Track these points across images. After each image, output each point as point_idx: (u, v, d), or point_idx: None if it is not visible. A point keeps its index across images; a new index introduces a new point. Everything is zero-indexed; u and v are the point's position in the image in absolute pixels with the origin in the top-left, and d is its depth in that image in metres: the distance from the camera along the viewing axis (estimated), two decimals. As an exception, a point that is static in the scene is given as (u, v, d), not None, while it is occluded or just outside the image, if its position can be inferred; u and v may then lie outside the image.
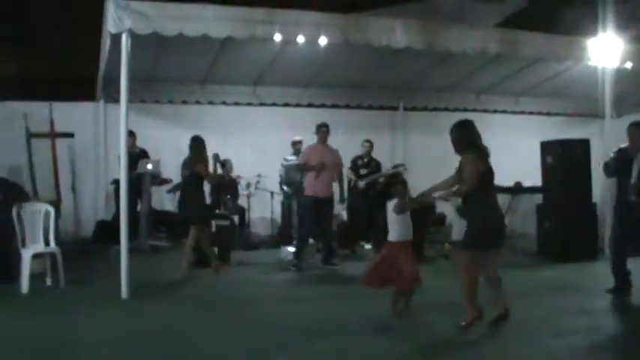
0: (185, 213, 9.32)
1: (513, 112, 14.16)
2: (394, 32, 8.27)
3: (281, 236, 11.79)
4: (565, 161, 10.35)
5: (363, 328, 6.13)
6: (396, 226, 6.36)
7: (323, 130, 9.77)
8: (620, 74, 9.92)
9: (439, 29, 8.75)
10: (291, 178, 10.99)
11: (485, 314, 5.95)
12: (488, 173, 5.99)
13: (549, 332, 5.93)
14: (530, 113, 14.26)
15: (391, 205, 6.38)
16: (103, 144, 12.08)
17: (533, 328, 6.04)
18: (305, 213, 9.80)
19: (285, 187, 11.63)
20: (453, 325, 5.91)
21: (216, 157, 9.62)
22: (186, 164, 9.13)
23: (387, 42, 8.28)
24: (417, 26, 8.54)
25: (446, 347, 5.61)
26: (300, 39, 8.08)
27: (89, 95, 12.11)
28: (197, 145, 9.04)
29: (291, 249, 10.04)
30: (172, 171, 11.18)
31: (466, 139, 6.05)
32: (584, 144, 10.37)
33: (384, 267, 6.39)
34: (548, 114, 14.26)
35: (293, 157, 11.29)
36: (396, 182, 6.74)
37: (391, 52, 9.34)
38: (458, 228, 10.20)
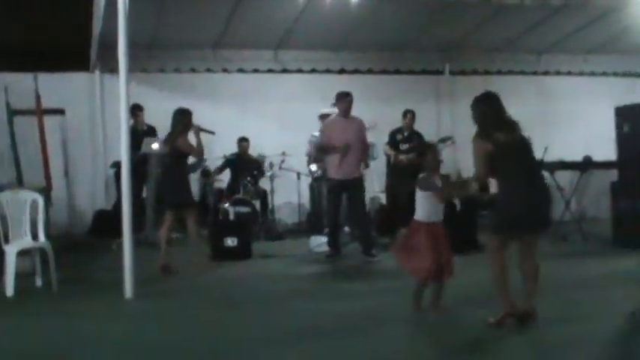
0: (172, 198, 8.98)
1: (582, 74, 13.87)
2: None
3: (310, 224, 11.64)
4: None
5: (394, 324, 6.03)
6: (422, 203, 6.21)
7: (346, 99, 9.40)
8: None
9: None
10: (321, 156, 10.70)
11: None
12: (505, 149, 5.76)
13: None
14: (603, 74, 13.91)
15: (420, 178, 6.24)
16: (101, 121, 11.87)
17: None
18: (330, 198, 9.66)
19: (313, 167, 11.35)
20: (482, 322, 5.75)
21: (197, 128, 9.12)
22: (166, 141, 8.94)
23: None
24: None
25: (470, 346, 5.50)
26: None
27: (82, 65, 11.92)
28: (180, 118, 8.79)
29: (323, 238, 9.84)
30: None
31: (479, 119, 5.96)
32: None
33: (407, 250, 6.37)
34: (624, 74, 13.92)
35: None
36: (426, 152, 6.52)
37: (436, 6, 9.27)
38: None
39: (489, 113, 5.90)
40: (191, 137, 8.85)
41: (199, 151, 9.20)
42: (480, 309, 6.11)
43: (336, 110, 9.82)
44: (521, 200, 5.77)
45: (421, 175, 6.23)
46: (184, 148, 8.80)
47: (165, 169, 9.15)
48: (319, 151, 9.94)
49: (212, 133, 9.80)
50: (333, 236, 9.59)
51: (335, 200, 9.50)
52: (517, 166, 5.83)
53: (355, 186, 9.50)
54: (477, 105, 6.07)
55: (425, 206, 6.22)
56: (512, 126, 5.82)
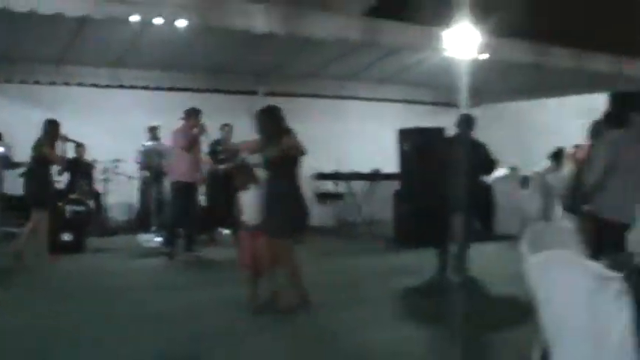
0: (30, 198, 9.71)
1: (375, 100, 15.41)
2: (255, 17, 9.04)
3: (139, 222, 12.50)
4: (420, 149, 11.25)
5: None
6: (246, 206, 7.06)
7: (197, 115, 10.28)
8: (477, 65, 11.34)
9: (300, 15, 9.60)
10: (150, 162, 11.80)
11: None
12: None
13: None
14: (391, 101, 15.55)
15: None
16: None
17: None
18: (177, 200, 10.31)
19: (143, 172, 12.35)
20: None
21: (64, 138, 9.88)
22: (35, 147, 9.55)
23: (247, 27, 9.03)
24: (278, 12, 9.33)
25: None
26: (159, 21, 8.72)
27: None
28: (50, 128, 9.55)
29: (151, 236, 10.76)
30: (25, 154, 11.20)
31: (262, 127, 6.95)
32: (439, 132, 11.07)
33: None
34: (407, 102, 15.63)
35: (150, 142, 12.11)
36: (239, 172, 7.34)
37: (251, 37, 9.90)
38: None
39: (271, 122, 6.85)
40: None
41: (61, 160, 9.99)
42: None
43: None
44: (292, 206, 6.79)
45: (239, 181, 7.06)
46: (49, 156, 9.55)
47: (30, 173, 9.75)
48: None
49: (78, 143, 10.68)
50: (173, 235, 10.28)
51: (182, 201, 10.16)
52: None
53: (197, 189, 10.54)
54: (261, 116, 6.92)
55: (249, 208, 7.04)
56: (289, 134, 6.76)
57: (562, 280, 3.72)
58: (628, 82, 14.25)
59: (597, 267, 3.73)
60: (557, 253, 3.90)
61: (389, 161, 12.47)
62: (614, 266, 4.20)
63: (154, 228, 11.59)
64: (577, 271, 3.65)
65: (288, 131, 6.88)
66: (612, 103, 8.06)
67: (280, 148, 6.71)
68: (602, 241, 7.22)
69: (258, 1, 9.63)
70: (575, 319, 3.68)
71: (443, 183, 9.34)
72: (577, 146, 10.32)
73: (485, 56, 11.06)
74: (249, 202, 7.01)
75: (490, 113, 15.87)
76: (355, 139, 14.61)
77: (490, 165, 9.46)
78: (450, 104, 12.32)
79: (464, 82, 11.06)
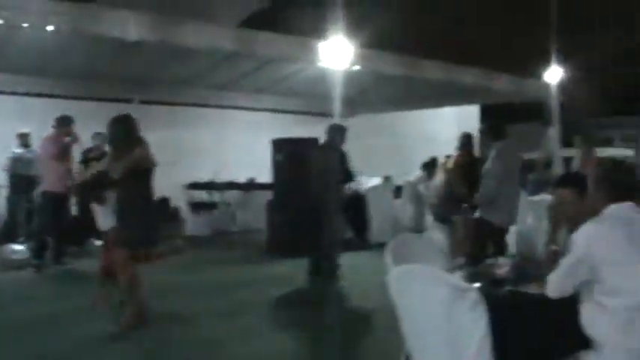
0: None
1: (251, 109, 15.48)
2: (127, 24, 8.84)
3: (6, 232, 12.04)
4: (293, 159, 11.49)
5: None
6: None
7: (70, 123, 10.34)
8: (351, 76, 11.48)
9: (173, 24, 9.44)
10: (19, 170, 11.50)
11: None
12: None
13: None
14: (267, 110, 15.66)
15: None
16: None
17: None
18: (46, 209, 10.24)
19: (11, 180, 11.97)
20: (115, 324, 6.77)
21: None
22: None
23: (119, 34, 8.81)
24: (150, 20, 9.15)
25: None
26: (26, 25, 8.43)
27: None
28: None
29: (19, 247, 10.59)
30: None
31: (113, 136, 6.99)
32: (312, 142, 11.42)
33: None
34: (283, 112, 15.76)
35: (20, 150, 11.75)
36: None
37: (124, 44, 9.73)
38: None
39: (123, 132, 6.85)
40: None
41: None
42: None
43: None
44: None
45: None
46: None
47: None
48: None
49: None
50: (42, 246, 10.18)
51: (51, 212, 10.12)
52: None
53: (67, 199, 10.44)
54: (112, 125, 6.90)
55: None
56: (141, 145, 6.79)
57: (420, 291, 3.85)
58: (496, 95, 14.90)
59: (454, 279, 3.90)
60: (415, 266, 4.02)
61: (264, 170, 12.61)
62: (471, 278, 4.43)
63: (21, 239, 11.29)
64: (435, 283, 3.78)
65: (140, 141, 6.87)
66: (489, 115, 8.54)
67: (131, 159, 6.68)
68: (487, 243, 7.73)
69: (130, 8, 9.37)
70: (434, 330, 3.82)
71: (314, 192, 9.61)
72: (448, 156, 10.71)
73: (358, 67, 11.28)
74: (104, 212, 7.12)
75: (366, 123, 16.31)
76: (231, 148, 14.67)
77: (347, 175, 9.79)
78: (325, 114, 12.45)
79: (338, 93, 11.43)
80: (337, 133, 9.98)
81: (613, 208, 3.87)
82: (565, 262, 3.86)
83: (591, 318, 3.74)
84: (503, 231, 7.94)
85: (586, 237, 3.77)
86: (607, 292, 3.65)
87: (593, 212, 3.94)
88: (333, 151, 9.79)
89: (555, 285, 3.89)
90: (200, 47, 9.91)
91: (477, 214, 8.30)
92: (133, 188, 6.73)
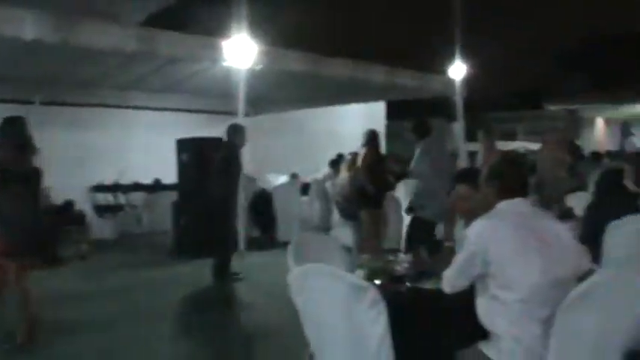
0: None
1: (156, 109, 15.35)
2: (23, 23, 8.68)
3: None
4: (197, 159, 11.48)
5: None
6: None
7: None
8: (256, 74, 11.50)
9: (74, 24, 9.34)
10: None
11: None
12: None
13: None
14: (173, 110, 15.58)
15: None
16: None
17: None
18: None
19: None
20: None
21: None
22: None
23: (15, 33, 8.65)
24: (49, 19, 9.04)
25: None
26: None
27: None
28: None
29: None
30: None
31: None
32: (217, 142, 11.11)
33: None
34: (189, 111, 15.69)
35: None
36: None
37: (22, 44, 9.42)
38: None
39: (13, 135, 6.58)
40: None
41: None
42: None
43: None
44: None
45: None
46: None
47: None
48: None
49: None
50: None
51: None
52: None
53: None
54: (2, 127, 6.63)
55: None
56: (33, 150, 6.56)
57: (320, 290, 3.87)
58: (401, 91, 15.16)
59: (352, 277, 3.92)
60: (314, 265, 4.04)
61: (170, 171, 12.49)
62: (372, 275, 4.51)
63: None
64: (333, 281, 3.81)
65: (28, 145, 6.65)
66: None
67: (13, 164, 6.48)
68: (417, 235, 7.93)
69: (29, 7, 9.19)
70: (334, 329, 3.85)
71: (217, 192, 9.63)
72: (352, 154, 10.84)
73: (262, 66, 11.33)
74: None
75: (273, 121, 16.37)
76: (136, 149, 14.58)
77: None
78: (231, 113, 12.51)
79: (242, 91, 11.46)
80: (236, 132, 10.02)
81: (504, 204, 3.97)
82: (459, 258, 3.94)
83: (487, 311, 3.83)
84: (434, 226, 8.14)
85: (478, 232, 3.85)
86: (500, 286, 3.73)
87: (487, 208, 4.02)
88: (233, 150, 9.84)
89: (450, 281, 3.97)
90: (102, 47, 9.77)
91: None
92: (13, 194, 6.46)
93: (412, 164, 8.61)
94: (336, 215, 11.44)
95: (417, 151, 8.63)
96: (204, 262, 9.79)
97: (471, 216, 4.29)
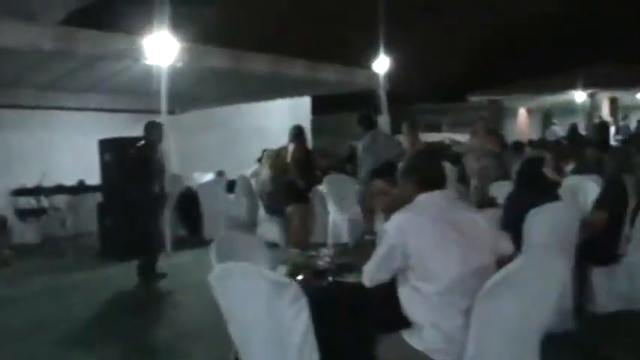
0: None
1: (78, 109, 15.04)
2: None
3: None
4: (120, 159, 11.27)
5: None
6: None
7: None
8: (179, 72, 11.48)
9: None
10: None
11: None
12: None
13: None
14: (95, 110, 15.29)
15: None
16: None
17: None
18: None
19: None
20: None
21: None
22: None
23: None
24: None
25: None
26: None
27: None
28: None
29: None
30: None
31: None
32: (139, 140, 10.87)
33: None
34: (111, 111, 15.42)
35: None
36: None
37: None
38: None
39: None
40: None
41: None
42: None
43: None
44: None
45: None
46: None
47: None
48: None
49: None
50: None
51: None
52: None
53: None
54: None
55: None
56: None
57: (241, 289, 3.87)
58: (325, 85, 15.27)
59: (273, 274, 3.95)
60: (234, 263, 4.04)
61: (94, 172, 12.30)
62: (294, 271, 4.55)
63: None
64: (254, 279, 3.81)
65: None
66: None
67: None
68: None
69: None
70: (257, 327, 3.87)
71: (140, 192, 9.56)
72: (275, 149, 10.88)
73: (184, 63, 11.27)
74: None
75: (198, 119, 16.30)
76: (58, 150, 14.31)
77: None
78: (154, 111, 12.43)
79: (163, 89, 11.39)
80: (154, 129, 9.97)
81: (423, 197, 4.03)
82: (378, 252, 3.98)
83: (409, 301, 3.89)
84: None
85: (396, 226, 3.90)
86: (420, 278, 3.79)
87: (406, 201, 4.07)
88: (150, 148, 9.78)
89: (370, 274, 4.03)
90: (19, 47, 9.56)
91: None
92: None
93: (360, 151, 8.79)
94: (262, 211, 11.46)
95: (360, 145, 8.87)
96: (131, 263, 9.67)
97: (390, 210, 4.31)
